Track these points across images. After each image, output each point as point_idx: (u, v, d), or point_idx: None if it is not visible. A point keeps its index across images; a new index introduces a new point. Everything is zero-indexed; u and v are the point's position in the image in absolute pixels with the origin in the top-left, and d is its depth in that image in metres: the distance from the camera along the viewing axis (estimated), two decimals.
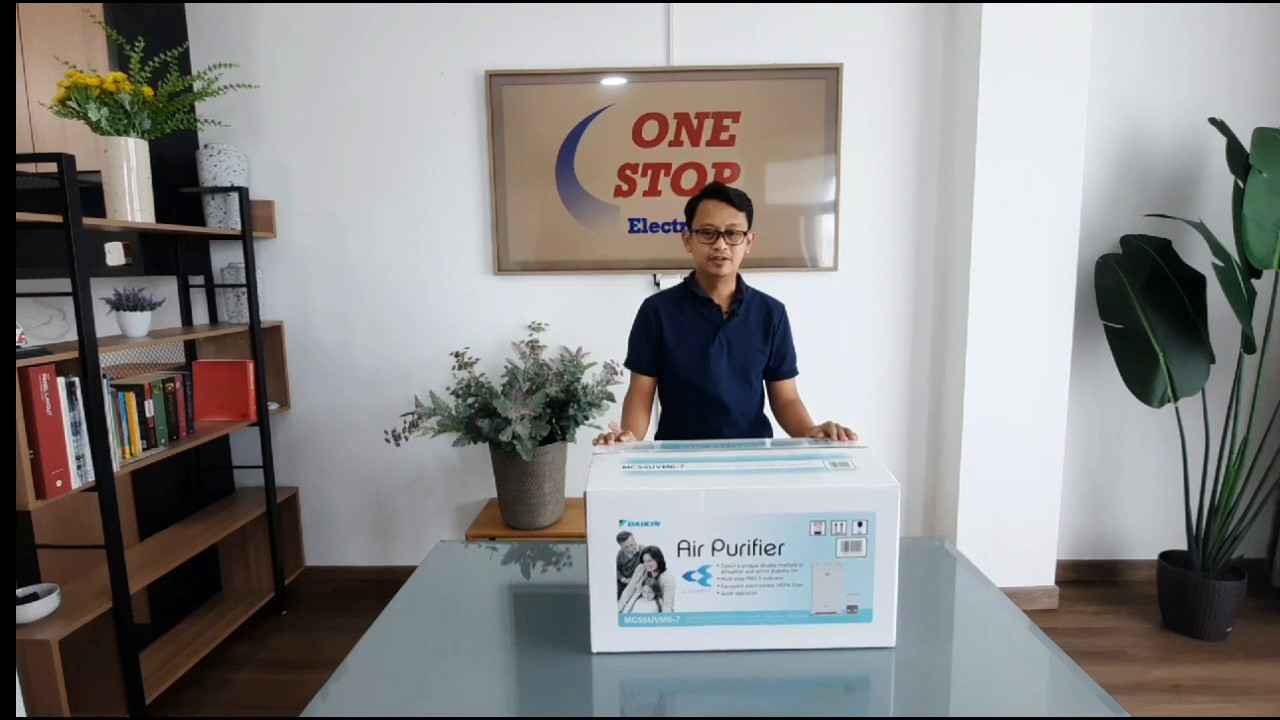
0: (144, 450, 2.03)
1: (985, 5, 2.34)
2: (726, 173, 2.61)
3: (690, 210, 1.69)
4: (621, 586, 1.12)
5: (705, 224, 1.61)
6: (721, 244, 1.60)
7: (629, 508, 1.10)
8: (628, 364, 1.78)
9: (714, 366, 1.68)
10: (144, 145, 2.06)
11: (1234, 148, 2.35)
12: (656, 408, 1.84)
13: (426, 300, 2.70)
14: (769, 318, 1.72)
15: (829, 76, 2.55)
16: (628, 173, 2.61)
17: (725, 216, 1.60)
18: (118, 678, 1.91)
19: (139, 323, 2.07)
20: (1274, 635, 2.43)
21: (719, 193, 1.62)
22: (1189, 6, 2.53)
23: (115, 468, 1.85)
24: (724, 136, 2.59)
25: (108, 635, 1.90)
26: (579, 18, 2.55)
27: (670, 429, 1.80)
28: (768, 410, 1.83)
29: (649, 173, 2.61)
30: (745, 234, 1.64)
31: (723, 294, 1.71)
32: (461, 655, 1.17)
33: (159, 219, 2.16)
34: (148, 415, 2.04)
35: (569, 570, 1.50)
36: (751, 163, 2.61)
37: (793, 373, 1.76)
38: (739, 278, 1.74)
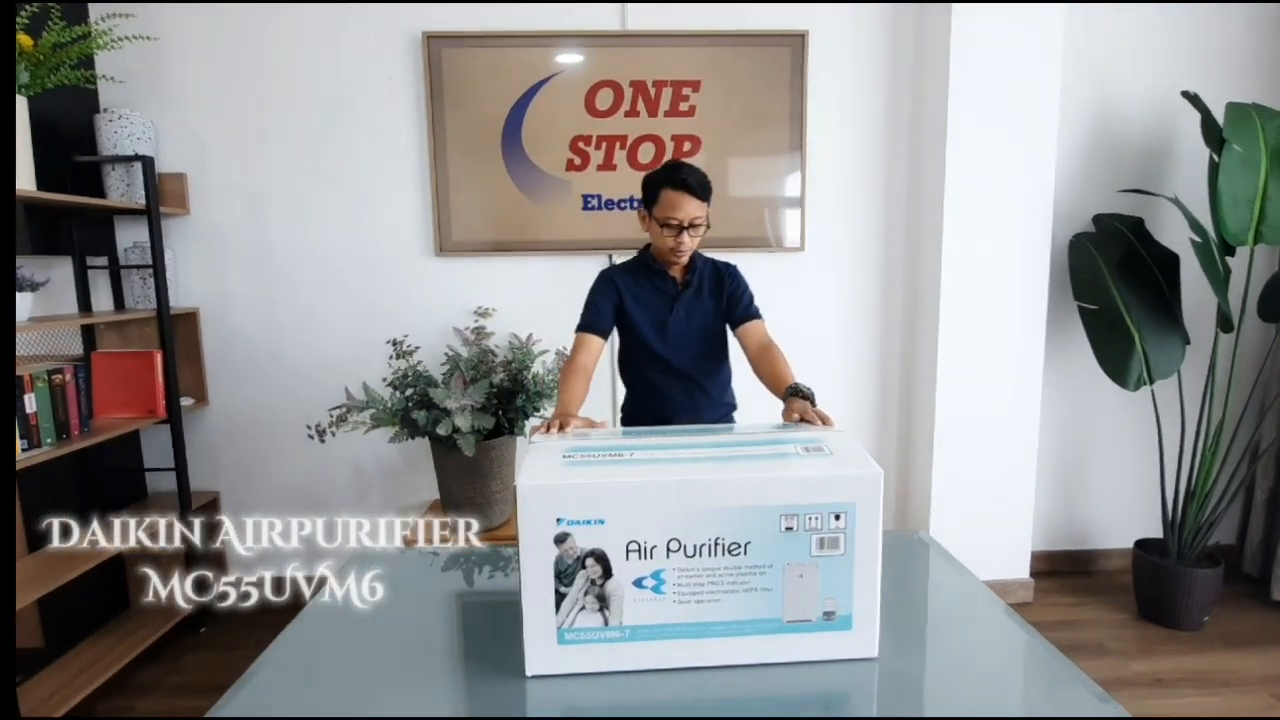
0: (24, 450, 1.78)
1: None
2: (687, 145, 2.45)
3: (649, 191, 1.62)
4: (560, 597, 0.94)
5: (669, 217, 1.56)
6: (685, 238, 1.58)
7: (567, 504, 0.93)
8: (583, 327, 1.66)
9: (674, 335, 1.68)
10: (21, 103, 1.80)
11: (1208, 122, 2.28)
12: (601, 387, 1.76)
13: (361, 284, 2.47)
14: (721, 281, 1.71)
15: (794, 44, 2.40)
16: (580, 145, 2.43)
17: (690, 210, 1.55)
18: None
19: (16, 306, 1.81)
20: (1250, 624, 2.37)
21: (682, 183, 1.55)
22: None
23: None
24: (683, 107, 2.42)
25: None
26: None
27: (635, 408, 1.77)
28: (735, 388, 1.80)
29: (603, 145, 2.43)
30: (706, 222, 1.61)
31: (678, 266, 1.70)
32: (379, 677, 0.99)
33: (45, 188, 1.90)
34: (28, 411, 1.79)
35: (516, 577, 1.33)
36: (713, 135, 2.44)
37: (757, 314, 1.69)
38: None
